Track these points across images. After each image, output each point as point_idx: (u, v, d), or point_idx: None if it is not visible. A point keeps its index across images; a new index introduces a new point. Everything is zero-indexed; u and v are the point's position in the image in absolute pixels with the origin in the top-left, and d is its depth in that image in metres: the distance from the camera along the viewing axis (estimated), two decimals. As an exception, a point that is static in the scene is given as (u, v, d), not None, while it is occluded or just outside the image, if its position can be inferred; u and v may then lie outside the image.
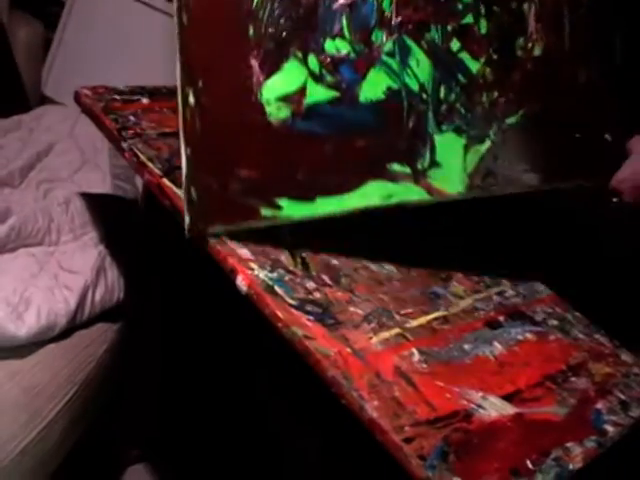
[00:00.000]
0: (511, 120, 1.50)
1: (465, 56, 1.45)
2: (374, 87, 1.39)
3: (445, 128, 1.43)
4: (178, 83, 1.30)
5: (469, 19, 1.45)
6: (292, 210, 1.32)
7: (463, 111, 1.45)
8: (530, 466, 1.05)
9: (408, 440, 1.02)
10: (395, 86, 1.40)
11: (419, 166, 1.42)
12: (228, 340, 1.97)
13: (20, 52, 2.70)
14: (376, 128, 1.40)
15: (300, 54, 1.32)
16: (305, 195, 1.34)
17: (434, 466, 0.99)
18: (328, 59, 1.34)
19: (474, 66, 1.46)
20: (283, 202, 1.32)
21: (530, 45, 1.52)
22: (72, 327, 1.67)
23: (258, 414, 1.89)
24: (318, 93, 1.34)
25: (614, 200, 1.51)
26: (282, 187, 1.33)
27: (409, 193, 1.41)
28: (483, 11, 1.48)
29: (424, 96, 1.41)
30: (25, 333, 1.54)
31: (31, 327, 1.55)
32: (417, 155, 1.42)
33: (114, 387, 1.87)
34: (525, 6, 1.52)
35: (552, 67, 1.54)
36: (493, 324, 1.35)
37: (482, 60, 1.47)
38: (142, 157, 1.48)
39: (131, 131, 1.56)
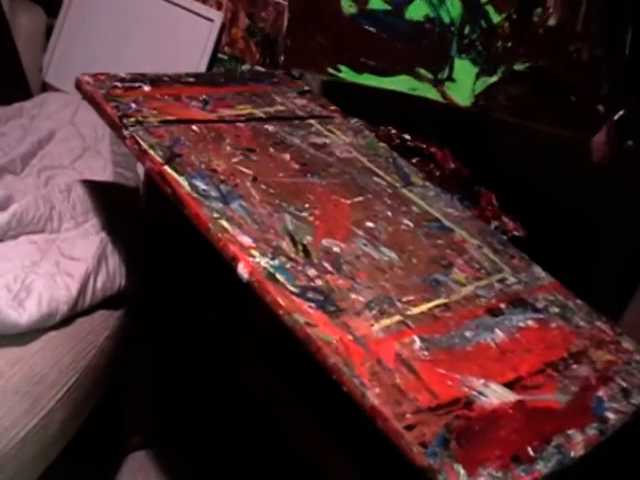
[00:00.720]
0: (518, 67, 1.93)
1: (490, 8, 1.93)
2: (416, 11, 1.99)
3: (464, 56, 1.97)
4: None
5: None
6: (347, 75, 2.06)
7: (480, 48, 1.95)
8: (531, 453, 1.04)
9: (409, 427, 1.02)
10: (432, 15, 1.98)
11: (439, 76, 2.00)
12: (230, 326, 1.97)
13: (21, 39, 2.70)
14: (413, 40, 2.00)
15: None
16: (357, 68, 2.06)
17: (435, 453, 0.99)
18: None
19: (496, 18, 1.93)
20: (343, 68, 2.07)
21: (546, 15, 1.90)
22: (73, 314, 1.67)
23: (260, 401, 1.89)
24: (377, 4, 2.02)
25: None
26: (343, 58, 2.07)
27: (428, 92, 2.01)
28: None
29: (452, 29, 1.97)
30: (26, 320, 1.53)
31: (32, 314, 1.54)
32: (439, 68, 1.99)
33: (116, 374, 1.87)
34: None
35: (560, 38, 1.88)
36: (494, 311, 1.35)
37: (503, 15, 1.93)
38: (144, 145, 1.48)
39: (132, 118, 1.56)
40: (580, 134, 1.78)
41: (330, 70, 2.06)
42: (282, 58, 2.11)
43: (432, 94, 1.99)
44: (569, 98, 1.84)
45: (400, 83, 2.01)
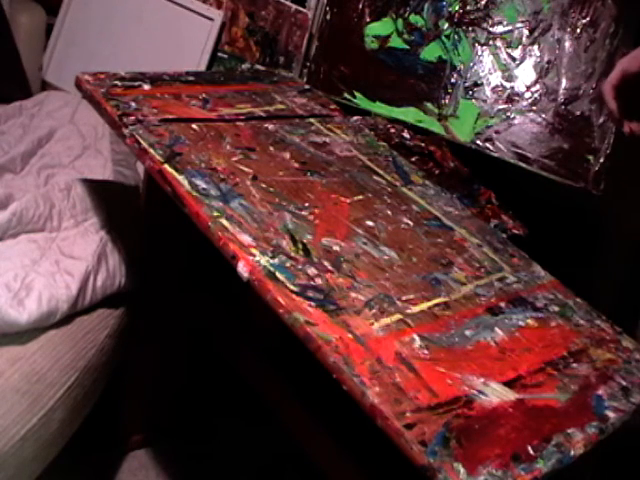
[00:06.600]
0: (516, 113, 2.11)
1: (498, 59, 2.13)
2: (431, 52, 2.21)
3: (469, 97, 2.16)
4: (325, 5, 2.34)
5: (507, 38, 2.15)
6: (361, 101, 2.25)
7: (486, 91, 2.14)
8: (531, 452, 1.05)
9: (409, 426, 1.02)
10: (444, 57, 2.20)
11: (444, 112, 2.17)
12: (230, 324, 1.97)
13: (21, 38, 2.69)
14: (424, 77, 2.21)
15: (394, 15, 2.25)
16: (371, 97, 2.25)
17: (435, 452, 0.99)
18: (409, 25, 2.23)
19: (501, 67, 2.13)
20: (358, 94, 2.26)
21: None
22: (73, 313, 1.67)
23: (260, 400, 1.89)
24: (397, 42, 2.24)
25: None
26: (359, 86, 2.26)
27: (433, 125, 2.17)
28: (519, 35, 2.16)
29: (461, 72, 2.18)
30: (26, 319, 1.53)
31: (32, 313, 1.54)
32: (445, 105, 2.18)
33: (115, 373, 1.87)
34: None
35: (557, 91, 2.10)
36: (494, 310, 1.35)
37: (508, 67, 2.14)
38: (143, 143, 1.48)
39: (132, 117, 1.56)
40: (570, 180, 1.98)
41: (346, 95, 2.26)
42: (305, 79, 2.32)
43: (436, 127, 2.16)
44: (562, 146, 2.02)
45: (408, 114, 2.20)
